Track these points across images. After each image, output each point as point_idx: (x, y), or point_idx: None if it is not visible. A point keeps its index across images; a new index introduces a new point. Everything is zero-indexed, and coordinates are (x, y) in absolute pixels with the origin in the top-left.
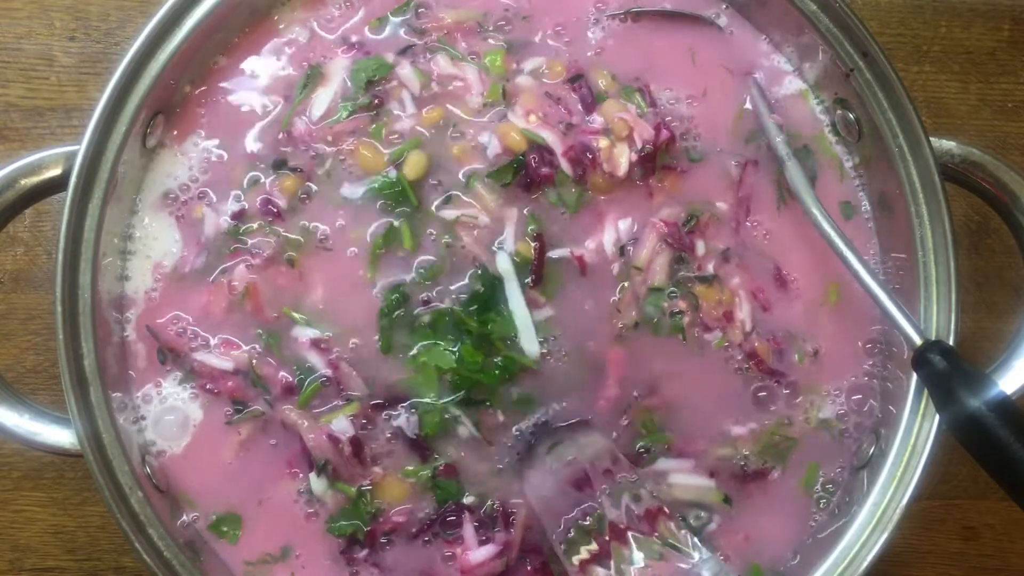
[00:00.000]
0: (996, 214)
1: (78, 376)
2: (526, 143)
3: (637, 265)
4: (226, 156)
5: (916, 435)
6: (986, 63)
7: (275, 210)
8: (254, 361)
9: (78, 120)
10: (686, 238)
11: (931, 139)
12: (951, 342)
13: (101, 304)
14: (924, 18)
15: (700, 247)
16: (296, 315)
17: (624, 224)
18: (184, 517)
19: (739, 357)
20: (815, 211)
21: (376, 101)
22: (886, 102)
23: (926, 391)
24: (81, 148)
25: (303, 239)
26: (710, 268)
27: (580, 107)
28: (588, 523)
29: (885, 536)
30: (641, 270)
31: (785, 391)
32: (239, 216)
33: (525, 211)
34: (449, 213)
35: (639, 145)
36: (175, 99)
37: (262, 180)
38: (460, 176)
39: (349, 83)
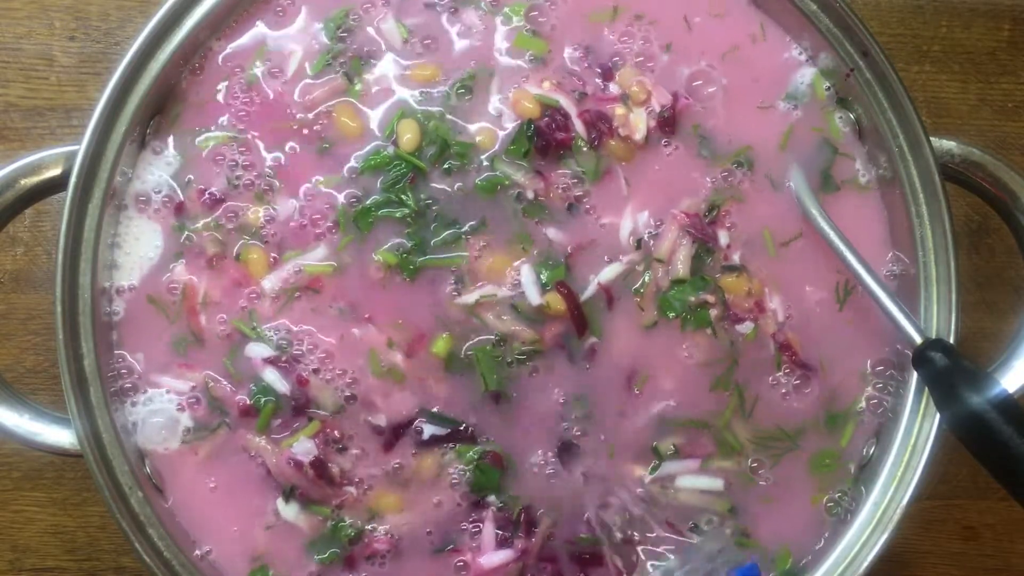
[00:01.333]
0: (996, 214)
1: (78, 376)
2: (540, 109)
3: (658, 257)
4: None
5: (916, 435)
6: (986, 63)
7: (214, 197)
8: (209, 384)
9: (78, 120)
10: (708, 228)
11: (931, 139)
12: (951, 342)
13: (99, 302)
14: (924, 18)
15: (723, 237)
16: (247, 328)
17: (642, 217)
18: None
19: (772, 348)
20: (813, 211)
21: (353, 55)
22: (886, 102)
23: (926, 391)
24: (81, 148)
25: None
26: (736, 258)
27: (598, 74)
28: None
29: (885, 536)
30: (663, 262)
31: (815, 386)
32: (180, 211)
33: (529, 258)
34: (468, 298)
35: (657, 109)
36: (173, 97)
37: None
38: (481, 158)
39: (324, 37)
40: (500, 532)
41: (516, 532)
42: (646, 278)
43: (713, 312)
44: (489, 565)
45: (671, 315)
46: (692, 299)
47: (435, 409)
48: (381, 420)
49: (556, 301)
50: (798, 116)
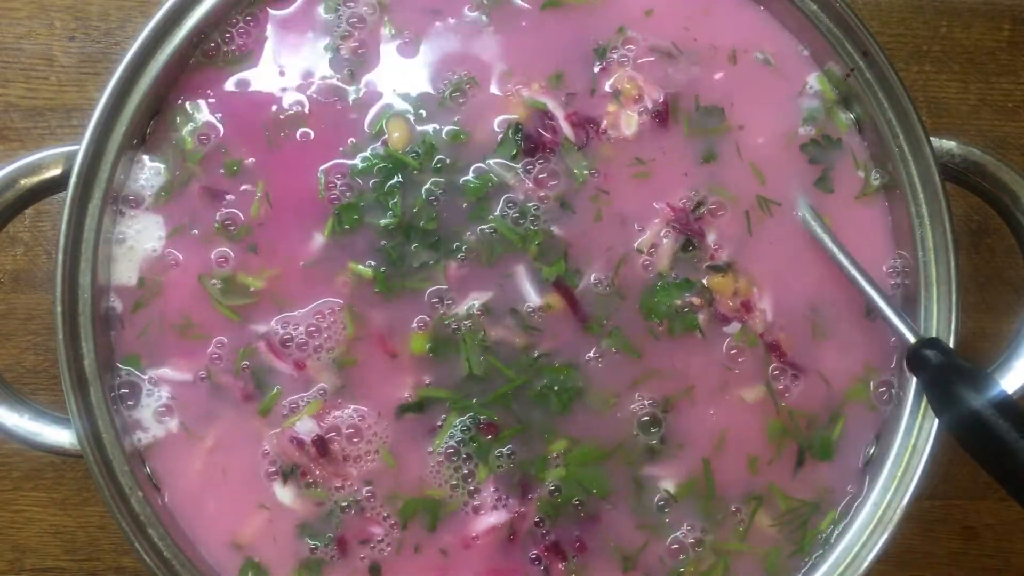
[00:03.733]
0: (996, 214)
1: (78, 376)
2: (527, 112)
3: (639, 248)
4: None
5: (916, 435)
6: (986, 63)
7: (212, 192)
8: (211, 372)
9: (78, 120)
10: (695, 224)
11: (931, 139)
12: (952, 343)
13: (99, 301)
14: (924, 18)
15: (711, 235)
16: (233, 314)
17: (630, 212)
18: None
19: (761, 349)
20: (805, 212)
21: (358, 46)
22: (886, 102)
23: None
24: (81, 148)
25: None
26: (724, 257)
27: (594, 71)
28: None
29: (885, 536)
30: (642, 252)
31: (812, 388)
32: (179, 207)
33: (523, 259)
34: (463, 308)
35: (649, 106)
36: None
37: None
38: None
39: (323, 12)
40: (497, 493)
41: (510, 497)
42: (622, 262)
43: (701, 316)
44: (484, 527)
45: (657, 320)
46: (678, 303)
47: (421, 388)
48: (371, 403)
49: (557, 301)
50: (819, 130)
